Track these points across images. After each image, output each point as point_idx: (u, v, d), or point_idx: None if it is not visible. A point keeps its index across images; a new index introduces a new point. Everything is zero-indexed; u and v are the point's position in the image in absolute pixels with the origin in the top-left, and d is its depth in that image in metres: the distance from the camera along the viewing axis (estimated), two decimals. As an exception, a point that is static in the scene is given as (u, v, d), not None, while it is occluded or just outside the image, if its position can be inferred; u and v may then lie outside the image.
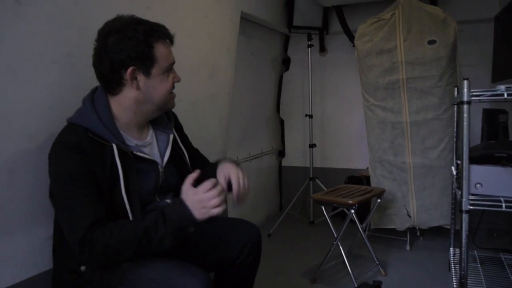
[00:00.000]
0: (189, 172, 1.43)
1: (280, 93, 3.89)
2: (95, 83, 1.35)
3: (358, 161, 3.55)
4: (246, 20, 3.02)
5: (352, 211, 2.30)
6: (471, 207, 1.49)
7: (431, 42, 2.65)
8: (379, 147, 2.88)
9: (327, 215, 2.44)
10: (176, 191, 1.45)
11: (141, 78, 1.27)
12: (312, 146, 3.47)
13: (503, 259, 2.28)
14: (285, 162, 3.93)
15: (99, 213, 1.19)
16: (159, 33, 1.28)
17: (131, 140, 1.33)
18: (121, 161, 1.24)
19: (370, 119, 2.90)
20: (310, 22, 3.48)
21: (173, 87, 1.34)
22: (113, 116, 1.30)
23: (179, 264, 1.25)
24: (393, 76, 2.74)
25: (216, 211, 1.21)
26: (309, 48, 3.40)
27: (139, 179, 1.30)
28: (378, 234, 3.02)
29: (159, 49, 1.27)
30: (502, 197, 1.48)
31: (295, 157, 3.89)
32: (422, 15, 2.66)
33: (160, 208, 1.24)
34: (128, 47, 1.22)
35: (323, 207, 2.42)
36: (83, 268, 1.24)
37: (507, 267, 2.17)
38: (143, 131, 1.39)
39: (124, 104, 1.30)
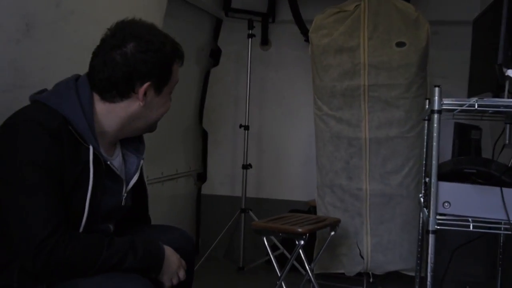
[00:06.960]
0: (145, 204, 1.84)
1: (204, 96, 4.07)
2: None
3: (303, 191, 3.83)
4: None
5: (302, 242, 2.60)
6: (438, 227, 1.91)
7: (400, 44, 3.11)
8: (331, 168, 3.23)
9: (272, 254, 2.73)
10: (118, 219, 1.77)
11: (150, 94, 1.56)
12: (246, 167, 3.70)
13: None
14: (206, 189, 4.12)
15: (62, 216, 1.41)
16: (179, 54, 1.62)
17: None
18: (93, 167, 1.48)
19: (322, 132, 3.26)
20: (252, 6, 3.79)
21: None
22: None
23: (116, 273, 1.51)
24: (353, 81, 3.15)
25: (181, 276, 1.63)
26: (250, 39, 3.66)
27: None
28: (324, 282, 3.26)
29: (175, 69, 1.62)
30: (470, 217, 1.91)
31: (220, 183, 4.10)
32: (391, 11, 3.14)
33: (133, 240, 1.53)
34: (154, 61, 1.52)
35: (265, 239, 2.72)
36: None
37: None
38: (111, 148, 1.65)
39: (117, 114, 1.56)
